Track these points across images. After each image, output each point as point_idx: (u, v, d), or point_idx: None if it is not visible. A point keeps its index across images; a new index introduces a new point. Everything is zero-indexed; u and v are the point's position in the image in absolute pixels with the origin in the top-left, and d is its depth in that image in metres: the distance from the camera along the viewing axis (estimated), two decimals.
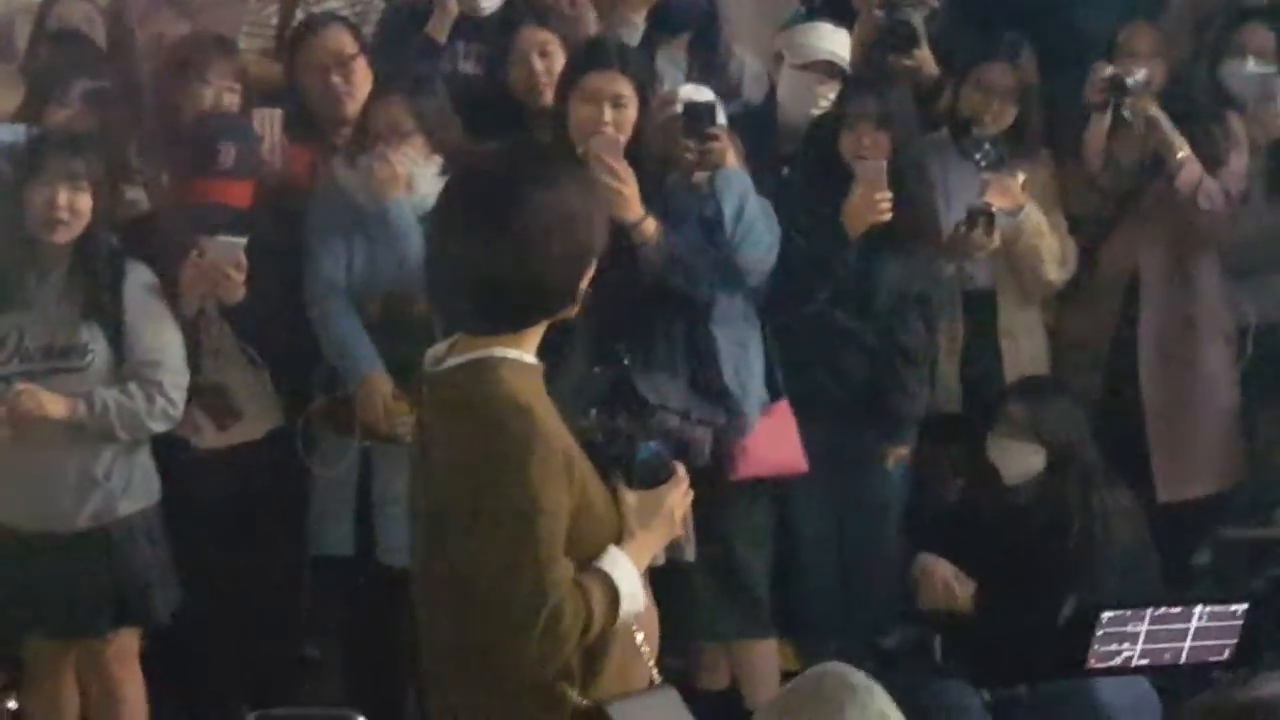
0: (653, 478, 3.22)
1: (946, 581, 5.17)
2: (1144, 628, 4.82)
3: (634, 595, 3.15)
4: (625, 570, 3.14)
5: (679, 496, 3.27)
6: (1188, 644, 4.86)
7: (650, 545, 3.23)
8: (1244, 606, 4.89)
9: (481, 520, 3.04)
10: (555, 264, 3.10)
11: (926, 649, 5.34)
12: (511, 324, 3.13)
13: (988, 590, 5.12)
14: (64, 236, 4.83)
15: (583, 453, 3.15)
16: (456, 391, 3.12)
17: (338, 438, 5.15)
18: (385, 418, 5.02)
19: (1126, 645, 4.83)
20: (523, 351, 3.15)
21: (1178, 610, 4.87)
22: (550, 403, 3.15)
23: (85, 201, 4.82)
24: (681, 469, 3.29)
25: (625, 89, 4.97)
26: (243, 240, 4.92)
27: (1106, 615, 4.81)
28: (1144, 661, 4.86)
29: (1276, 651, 4.97)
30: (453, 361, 3.15)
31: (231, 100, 5.34)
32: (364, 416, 5.06)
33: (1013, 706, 5.10)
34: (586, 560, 3.12)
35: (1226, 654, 4.89)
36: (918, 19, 5.93)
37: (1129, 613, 4.81)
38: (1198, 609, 4.87)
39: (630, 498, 3.21)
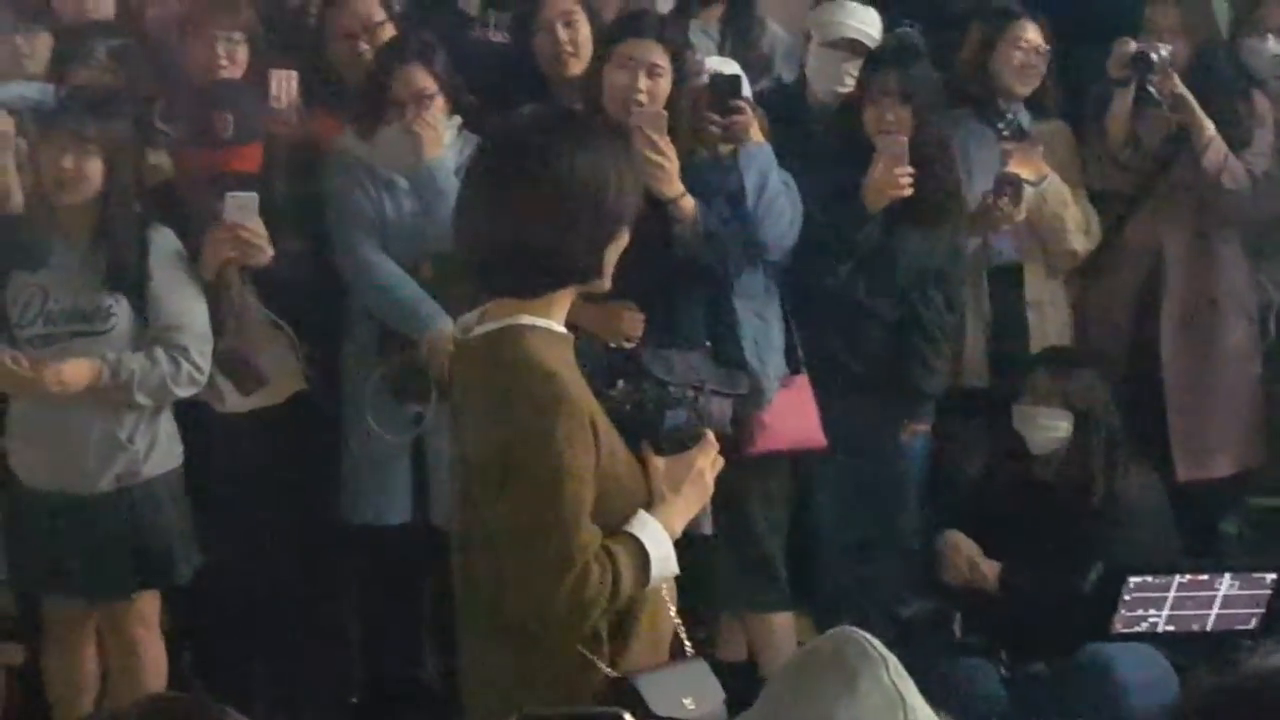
0: (681, 444, 3.24)
1: (972, 559, 5.19)
2: (1171, 594, 4.84)
3: (665, 559, 3.16)
4: (655, 534, 3.16)
5: (708, 461, 3.28)
6: (1214, 612, 4.88)
7: (682, 510, 3.24)
8: (1272, 576, 4.91)
9: (508, 485, 3.06)
10: (578, 229, 3.12)
11: (946, 624, 5.36)
12: (535, 288, 3.15)
13: (1010, 564, 5.14)
14: (72, 198, 4.81)
15: (609, 421, 3.17)
16: (484, 358, 3.15)
17: (408, 402, 5.09)
18: None
19: (1153, 611, 4.85)
20: (551, 321, 3.17)
21: (1205, 578, 4.89)
22: (578, 371, 3.17)
23: (93, 165, 4.79)
24: (711, 435, 3.30)
25: (661, 58, 4.97)
26: (254, 195, 4.92)
27: (1133, 581, 4.83)
28: (1170, 628, 4.88)
29: None
30: (482, 329, 3.17)
31: (232, 50, 5.30)
32: (439, 374, 4.90)
33: (1031, 682, 5.12)
34: (615, 528, 3.13)
35: (1253, 623, 4.91)
36: (913, 39, 5.92)
37: (1155, 579, 4.83)
38: (1225, 577, 4.89)
39: (659, 463, 3.23)
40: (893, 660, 2.13)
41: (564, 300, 3.19)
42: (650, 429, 3.23)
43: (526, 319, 3.14)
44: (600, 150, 3.16)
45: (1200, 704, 2.01)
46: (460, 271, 3.41)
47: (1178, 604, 4.85)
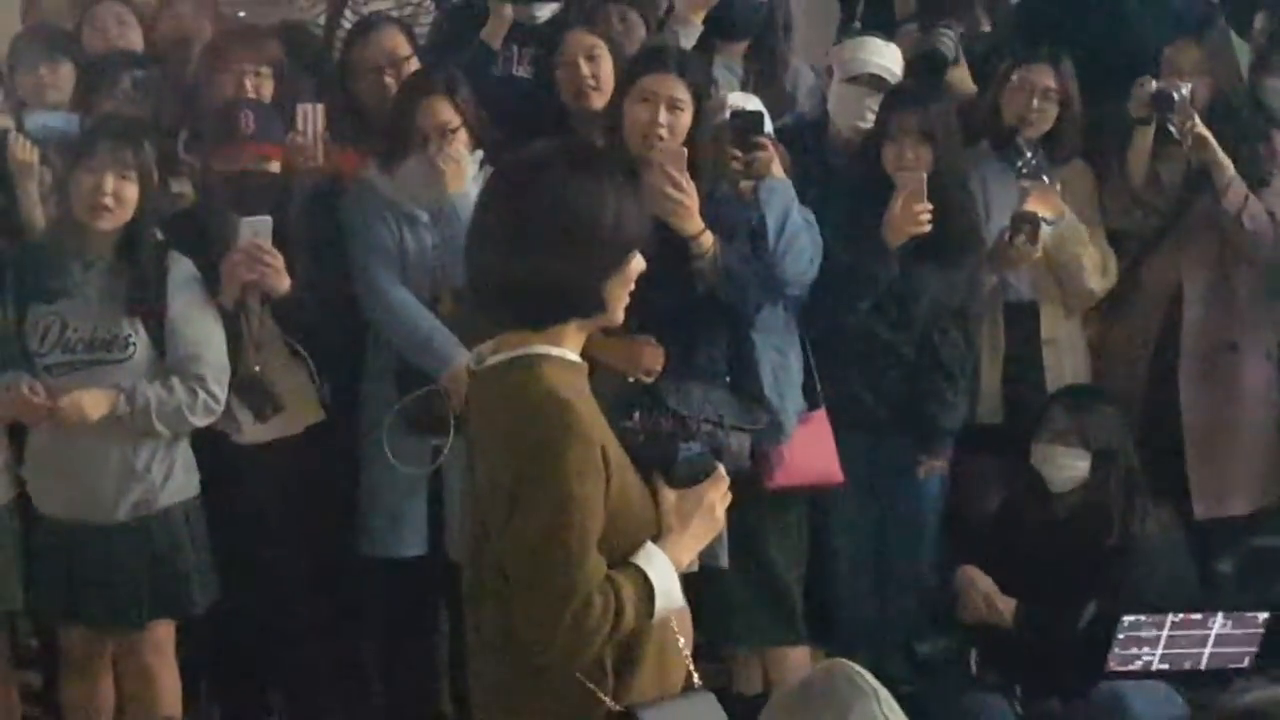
0: (693, 477, 3.24)
1: (988, 596, 5.19)
2: (1164, 633, 4.86)
3: (669, 592, 3.15)
4: (661, 566, 3.14)
5: (719, 494, 3.26)
6: (1208, 650, 4.89)
7: (691, 543, 3.23)
8: (1265, 615, 4.92)
9: (517, 511, 3.05)
10: (573, 260, 3.10)
11: (962, 660, 5.35)
12: (536, 320, 3.14)
13: (1026, 601, 5.14)
14: (108, 223, 4.85)
15: (622, 451, 3.16)
16: (498, 386, 3.14)
17: (426, 436, 5.09)
18: None
19: (1146, 650, 4.87)
20: (564, 350, 3.16)
21: (1198, 617, 4.90)
22: (592, 400, 3.16)
23: (131, 190, 4.83)
24: (722, 469, 3.29)
25: (682, 93, 4.98)
26: (268, 219, 4.93)
27: (1127, 620, 4.85)
28: (1164, 666, 4.90)
29: None
30: (496, 359, 3.17)
31: (259, 84, 5.35)
32: (458, 408, 4.87)
33: (1046, 719, 5.12)
34: (623, 558, 3.12)
35: (1247, 662, 4.92)
36: (949, 43, 5.93)
37: (1149, 618, 4.84)
38: (1218, 616, 4.90)
39: (670, 496, 3.21)
40: (884, 693, 2.13)
41: (575, 332, 3.18)
42: (663, 461, 3.23)
43: (540, 348, 3.13)
44: (596, 181, 3.12)
45: None
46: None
47: (1171, 643, 4.87)
